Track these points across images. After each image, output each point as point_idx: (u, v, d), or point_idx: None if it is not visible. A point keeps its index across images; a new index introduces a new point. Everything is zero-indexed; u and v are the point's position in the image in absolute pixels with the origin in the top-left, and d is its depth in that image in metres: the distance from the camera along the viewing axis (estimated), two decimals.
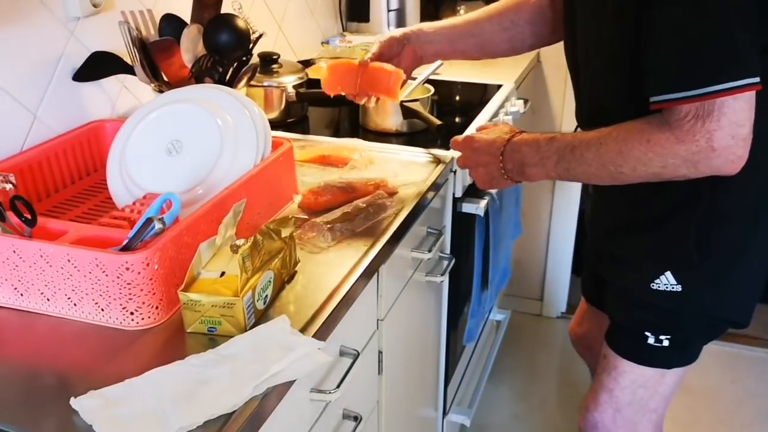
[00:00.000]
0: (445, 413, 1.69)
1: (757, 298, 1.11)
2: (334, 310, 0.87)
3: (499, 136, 1.08)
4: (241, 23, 1.19)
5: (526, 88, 2.11)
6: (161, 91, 1.19)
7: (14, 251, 0.81)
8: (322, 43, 2.07)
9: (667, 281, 1.05)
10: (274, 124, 1.41)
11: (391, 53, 1.26)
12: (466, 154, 1.13)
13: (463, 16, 1.32)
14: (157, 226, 0.80)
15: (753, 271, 1.07)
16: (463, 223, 1.47)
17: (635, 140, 0.91)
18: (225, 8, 1.22)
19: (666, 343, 1.10)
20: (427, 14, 2.16)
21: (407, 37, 1.27)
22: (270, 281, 0.86)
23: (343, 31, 2.19)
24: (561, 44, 1.22)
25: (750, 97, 0.85)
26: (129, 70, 1.20)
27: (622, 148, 0.92)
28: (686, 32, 0.86)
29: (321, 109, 1.64)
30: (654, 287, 1.06)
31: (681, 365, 1.15)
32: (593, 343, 1.39)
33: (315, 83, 1.61)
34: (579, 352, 1.53)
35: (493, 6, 1.30)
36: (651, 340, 1.11)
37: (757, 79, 0.84)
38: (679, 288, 1.05)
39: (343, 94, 1.26)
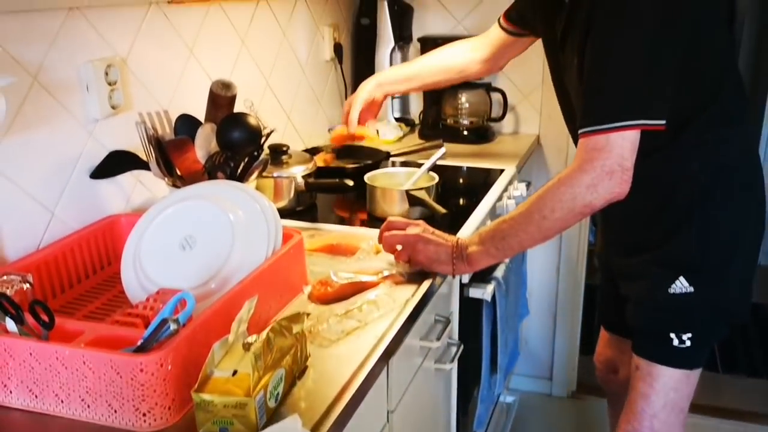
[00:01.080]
0: None
1: (750, 295, 1.29)
2: (345, 406, 0.87)
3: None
4: (252, 121, 1.24)
5: (527, 170, 2.16)
6: (175, 185, 1.23)
7: (31, 354, 0.83)
8: (328, 129, 2.13)
9: (681, 285, 1.22)
10: (284, 213, 1.45)
11: (369, 106, 1.70)
12: (421, 234, 1.23)
13: (421, 60, 1.74)
14: (172, 327, 0.82)
15: (743, 269, 1.26)
16: (470, 308, 1.48)
17: (550, 185, 1.14)
18: (237, 106, 1.28)
19: (688, 343, 1.25)
20: (430, 100, 2.24)
21: (378, 90, 1.69)
22: (281, 378, 0.87)
23: None
24: (560, 128, 1.41)
25: (634, 136, 1.08)
26: (144, 165, 1.24)
27: (542, 195, 1.14)
28: (593, 80, 1.12)
29: (329, 195, 1.68)
30: (672, 291, 1.23)
31: (699, 366, 1.29)
32: (619, 365, 1.60)
33: (323, 172, 1.66)
34: (603, 378, 1.68)
35: (443, 58, 1.71)
36: (675, 342, 1.25)
37: (640, 122, 1.07)
38: (692, 289, 1.22)
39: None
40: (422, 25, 2.31)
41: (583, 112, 1.13)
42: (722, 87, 1.19)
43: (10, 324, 0.85)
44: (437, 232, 1.25)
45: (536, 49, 2.24)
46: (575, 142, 1.33)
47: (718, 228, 1.22)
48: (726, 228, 1.22)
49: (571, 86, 1.29)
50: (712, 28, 1.16)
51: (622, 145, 1.08)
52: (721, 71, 1.20)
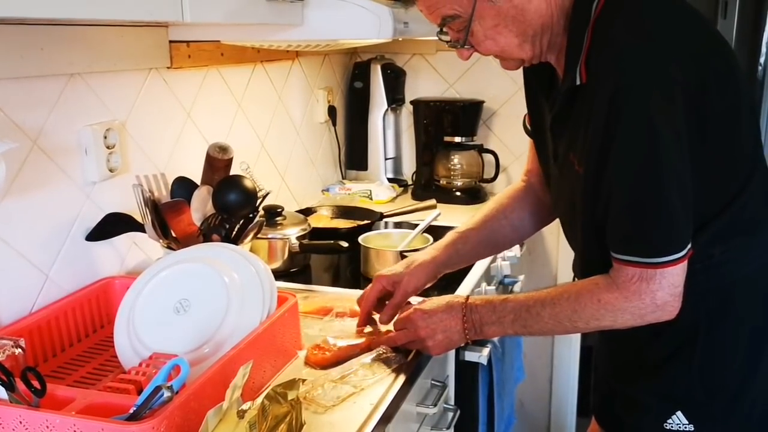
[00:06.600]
0: None
1: None
2: None
3: (450, 300, 1.14)
4: (248, 183, 1.26)
5: None
6: (170, 247, 1.23)
7: (20, 422, 0.81)
8: (322, 190, 2.15)
9: (679, 421, 1.06)
10: (277, 274, 1.44)
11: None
12: (419, 324, 1.12)
13: (471, 226, 1.32)
14: (166, 394, 0.81)
15: (760, 403, 1.07)
16: (466, 372, 1.46)
17: (587, 299, 1.02)
18: (233, 168, 1.29)
19: None
20: (422, 161, 2.27)
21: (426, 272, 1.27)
22: None
23: (343, 179, 2.29)
24: None
25: (684, 264, 0.97)
26: (140, 228, 1.24)
27: (576, 307, 1.03)
28: (633, 206, 0.97)
29: (323, 257, 1.68)
30: (667, 427, 1.07)
31: None
32: None
33: (317, 233, 1.67)
34: None
35: (493, 212, 1.33)
36: None
37: (688, 247, 0.96)
38: (692, 427, 1.06)
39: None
40: (414, 89, 2.36)
41: (624, 236, 0.98)
42: (743, 191, 1.02)
43: (0, 391, 0.83)
44: (431, 302, 1.14)
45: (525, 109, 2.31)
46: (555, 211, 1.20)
47: (725, 358, 1.05)
48: (735, 357, 1.05)
49: (562, 178, 1.12)
50: (733, 124, 1.00)
51: (673, 273, 0.96)
52: (745, 172, 1.03)
